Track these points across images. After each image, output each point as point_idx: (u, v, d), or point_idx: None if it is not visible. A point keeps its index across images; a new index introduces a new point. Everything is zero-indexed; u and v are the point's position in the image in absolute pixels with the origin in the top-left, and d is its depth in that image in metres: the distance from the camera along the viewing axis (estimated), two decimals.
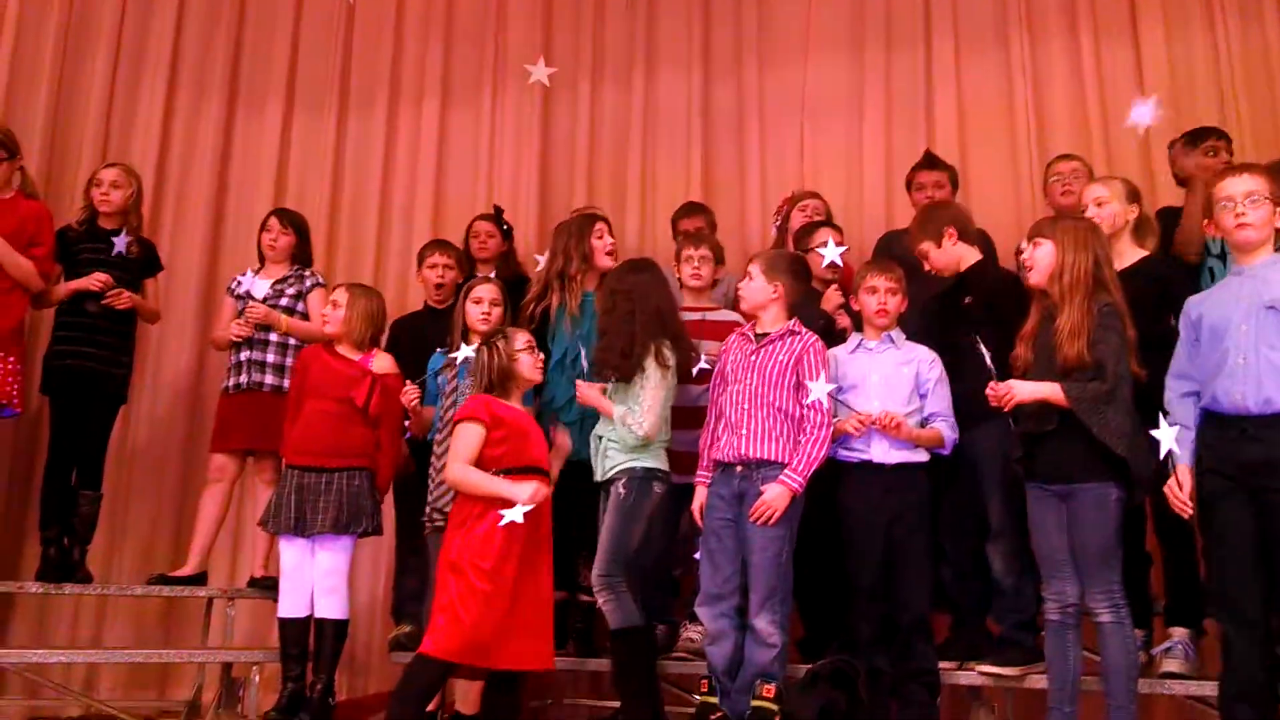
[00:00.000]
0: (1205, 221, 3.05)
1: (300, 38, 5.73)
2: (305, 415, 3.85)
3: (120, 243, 4.30)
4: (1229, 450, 2.80)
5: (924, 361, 3.52)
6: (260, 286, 4.46)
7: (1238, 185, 2.88)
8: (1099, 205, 3.41)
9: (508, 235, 4.78)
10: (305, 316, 4.42)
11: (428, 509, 3.72)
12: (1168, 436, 2.84)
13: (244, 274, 4.58)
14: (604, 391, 3.57)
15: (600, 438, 3.57)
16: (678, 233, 4.65)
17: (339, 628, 3.78)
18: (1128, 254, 3.38)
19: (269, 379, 4.31)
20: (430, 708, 3.50)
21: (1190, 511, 2.85)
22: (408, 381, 3.89)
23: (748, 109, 5.35)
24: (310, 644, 3.79)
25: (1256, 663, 2.74)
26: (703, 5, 5.50)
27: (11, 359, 3.96)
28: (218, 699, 4.21)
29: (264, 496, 4.25)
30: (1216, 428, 2.84)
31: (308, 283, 4.50)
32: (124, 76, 5.40)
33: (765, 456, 3.37)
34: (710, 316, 4.00)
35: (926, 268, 3.62)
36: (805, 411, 3.39)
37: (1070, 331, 2.97)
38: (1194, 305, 2.99)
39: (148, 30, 5.50)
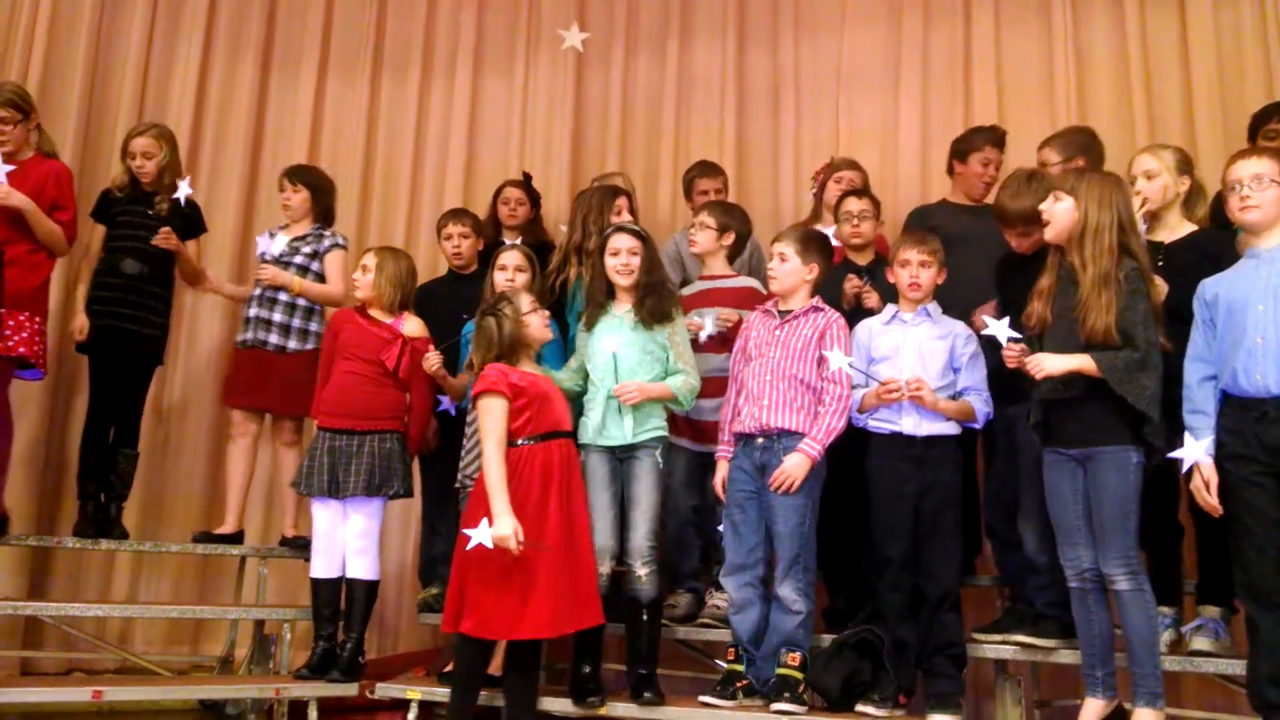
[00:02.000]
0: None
1: (335, 1, 5.72)
2: (337, 378, 3.88)
3: (183, 189, 4.35)
4: (1250, 433, 2.77)
5: (959, 336, 3.50)
6: (277, 243, 4.45)
7: (1245, 168, 2.87)
8: (1149, 178, 3.32)
9: (536, 203, 4.77)
10: (321, 277, 4.41)
11: (460, 475, 3.76)
12: (1192, 452, 2.82)
13: (270, 231, 4.61)
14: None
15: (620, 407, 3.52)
16: (693, 193, 4.63)
17: (370, 588, 3.83)
18: (1179, 227, 3.32)
19: (273, 338, 4.30)
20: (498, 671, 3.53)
21: (1220, 511, 2.82)
22: (431, 346, 3.91)
23: (783, 79, 5.31)
24: (341, 604, 3.84)
25: None
26: None
27: (38, 319, 3.96)
28: (250, 655, 4.29)
29: (285, 457, 4.36)
30: (1237, 410, 2.81)
31: (325, 243, 4.46)
32: (160, 37, 5.40)
33: (786, 427, 3.39)
34: (725, 284, 3.98)
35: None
36: (825, 384, 3.41)
37: (1095, 305, 2.89)
38: (1210, 286, 2.95)
39: None
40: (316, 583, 3.84)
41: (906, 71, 5.09)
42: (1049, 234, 3.09)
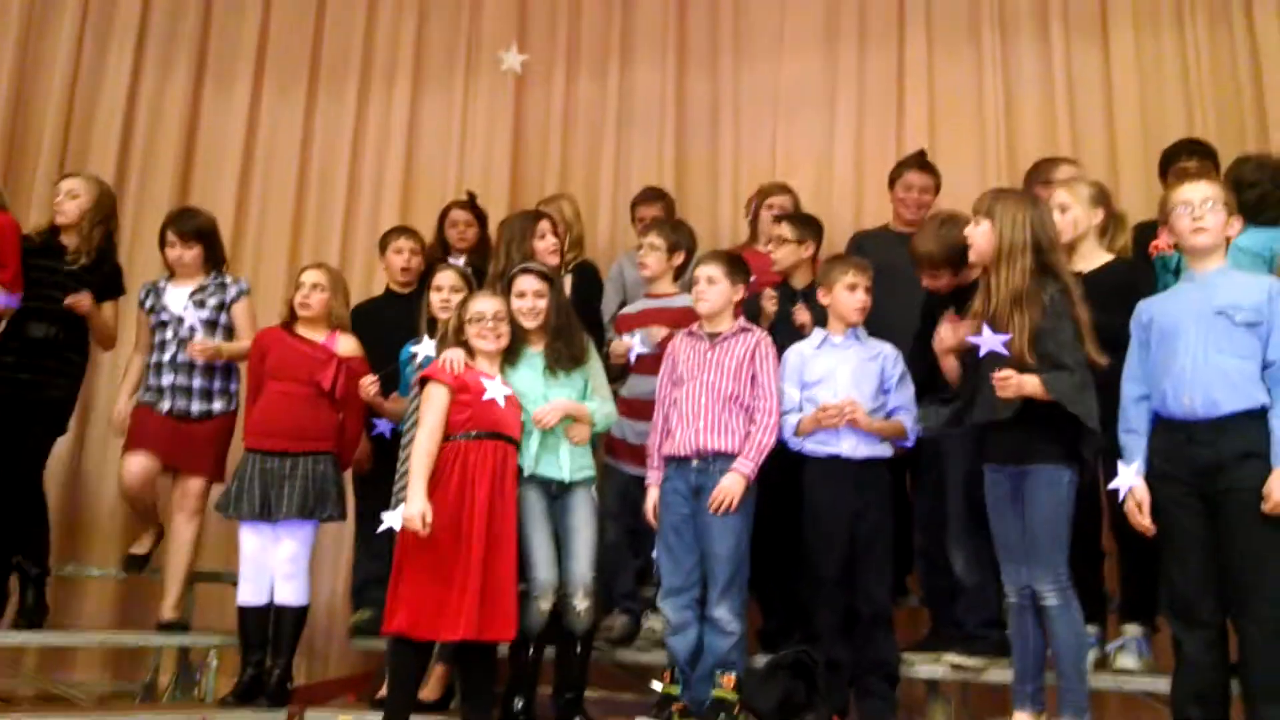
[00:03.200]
0: (1160, 227, 3.07)
1: (271, 12, 5.66)
2: (267, 398, 3.79)
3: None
4: (1178, 454, 2.83)
5: (888, 357, 3.56)
6: (173, 300, 4.12)
7: (1196, 191, 2.91)
8: (1062, 211, 3.36)
9: (483, 223, 4.74)
10: (229, 330, 4.15)
11: (394, 498, 3.70)
12: (1126, 479, 2.89)
13: (156, 282, 4.23)
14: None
15: (558, 435, 3.48)
16: (635, 219, 4.64)
17: (299, 614, 3.75)
18: (1093, 257, 3.38)
19: (196, 405, 4.05)
20: (431, 696, 3.52)
21: (1154, 531, 2.88)
22: (365, 365, 3.85)
23: (722, 102, 5.35)
24: (269, 630, 3.76)
25: (1210, 664, 2.78)
26: None
27: None
28: (174, 682, 4.18)
29: (185, 530, 4.06)
30: (1166, 431, 2.88)
31: (231, 292, 4.17)
32: (90, 43, 5.30)
33: (721, 448, 3.42)
34: (668, 303, 3.99)
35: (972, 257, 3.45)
36: (755, 402, 3.46)
37: (1010, 328, 2.92)
38: (1145, 309, 3.01)
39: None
40: (244, 610, 3.74)
41: (842, 96, 5.16)
42: (972, 257, 3.14)
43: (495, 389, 3.37)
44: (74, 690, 4.42)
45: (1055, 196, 3.43)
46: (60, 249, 4.08)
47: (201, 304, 4.11)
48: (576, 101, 5.53)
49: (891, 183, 4.33)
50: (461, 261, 4.22)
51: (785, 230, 4.00)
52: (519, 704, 3.39)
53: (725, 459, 3.41)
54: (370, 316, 4.30)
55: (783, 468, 3.49)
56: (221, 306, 4.14)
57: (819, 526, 3.45)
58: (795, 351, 3.61)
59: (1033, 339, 2.92)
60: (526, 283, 3.53)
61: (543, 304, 3.51)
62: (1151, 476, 2.89)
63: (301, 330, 3.86)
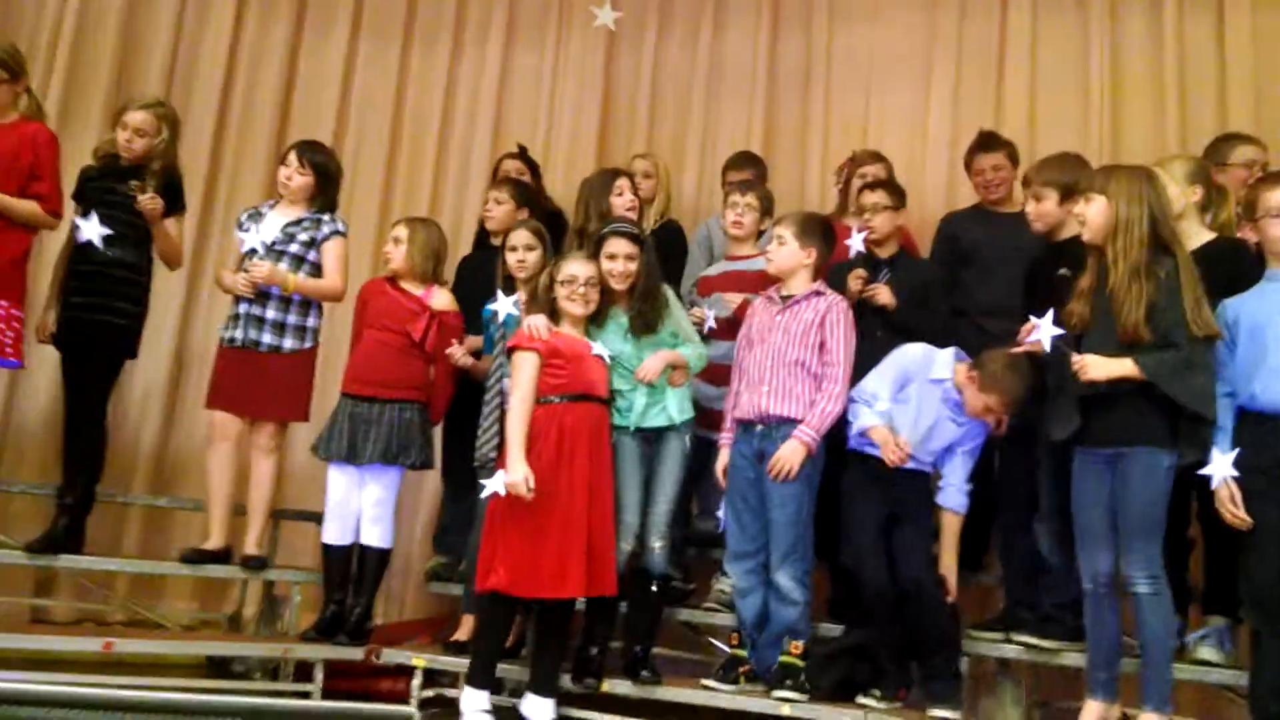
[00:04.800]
0: (1244, 222, 3.03)
1: None
2: (364, 346, 3.91)
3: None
4: (1265, 447, 2.79)
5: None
6: (267, 226, 4.00)
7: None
8: None
9: (536, 173, 4.77)
10: (317, 267, 4.01)
11: (477, 453, 3.79)
12: (1221, 468, 2.82)
13: (258, 207, 4.18)
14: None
15: (661, 391, 3.54)
16: (726, 184, 4.62)
17: (382, 556, 3.87)
18: (1196, 236, 3.27)
19: (266, 338, 3.92)
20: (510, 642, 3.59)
21: (1249, 523, 2.81)
22: (455, 341, 3.90)
23: (815, 67, 5.26)
24: (352, 570, 3.87)
25: None
26: None
27: (4, 304, 3.65)
28: (259, 615, 4.34)
29: (262, 465, 4.02)
30: (1254, 425, 2.84)
31: (325, 230, 4.01)
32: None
33: (784, 414, 3.41)
34: (749, 266, 3.96)
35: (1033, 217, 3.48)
36: (824, 369, 3.41)
37: (1127, 299, 2.87)
38: (1231, 307, 2.97)
39: None
40: (328, 548, 3.87)
41: (939, 62, 5.03)
42: (1086, 235, 3.06)
43: (599, 349, 3.44)
44: (163, 617, 4.60)
45: None
46: (123, 171, 3.93)
47: (291, 237, 3.98)
48: (667, 61, 5.50)
49: (967, 167, 4.24)
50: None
51: (881, 197, 3.92)
52: (594, 652, 3.45)
53: (789, 425, 3.39)
54: (470, 267, 4.43)
55: (844, 435, 3.48)
56: (311, 243, 4.00)
57: (853, 508, 3.43)
58: (910, 359, 3.51)
59: (1148, 314, 2.86)
60: (618, 245, 3.54)
61: (633, 267, 3.53)
62: (1236, 469, 2.83)
63: (403, 283, 3.94)
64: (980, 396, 3.31)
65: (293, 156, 4.06)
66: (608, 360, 3.47)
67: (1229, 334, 2.93)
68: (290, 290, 3.93)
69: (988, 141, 4.18)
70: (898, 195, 3.98)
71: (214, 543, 4.01)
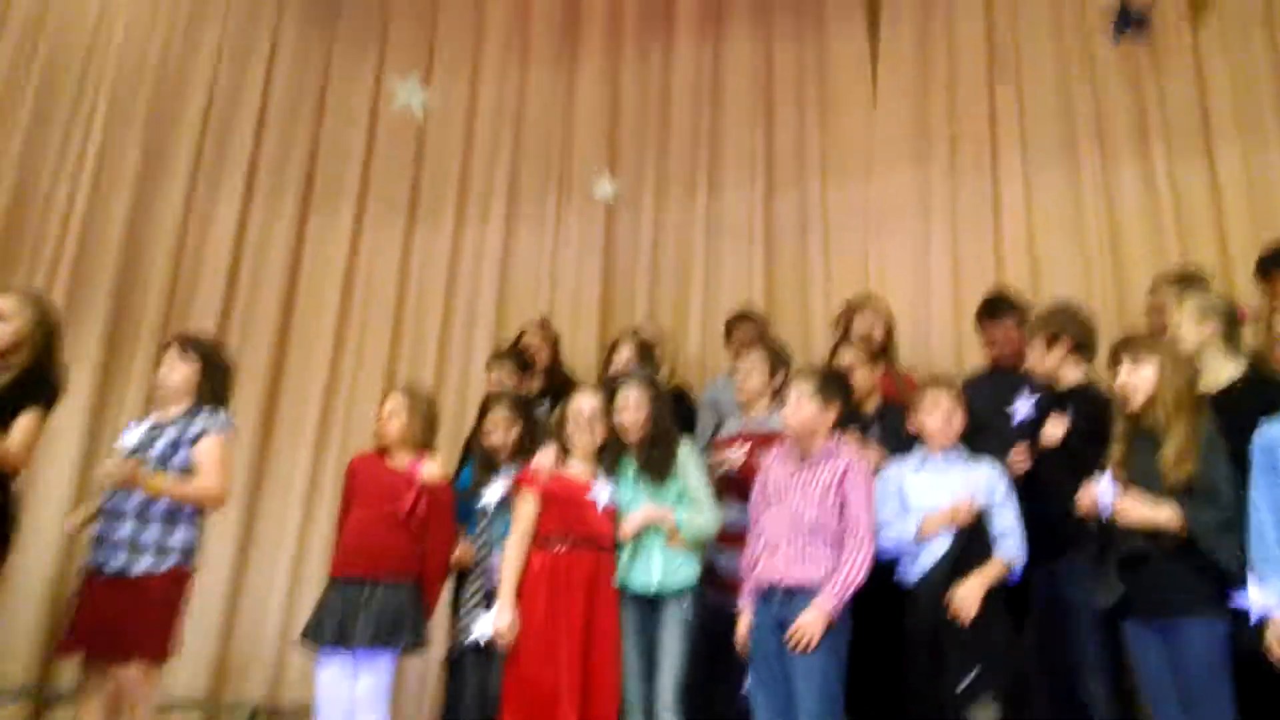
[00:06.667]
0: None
1: (374, 146, 5.88)
2: (351, 524, 3.73)
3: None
4: None
5: (992, 474, 3.36)
6: (133, 432, 3.49)
7: None
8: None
9: (554, 344, 4.77)
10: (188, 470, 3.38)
11: (465, 607, 3.68)
12: (1260, 599, 2.64)
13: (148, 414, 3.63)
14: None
15: (651, 543, 3.41)
16: (730, 341, 4.60)
17: None
18: (1222, 370, 3.20)
19: (115, 560, 3.26)
20: None
21: None
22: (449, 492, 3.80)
23: (811, 220, 5.33)
24: None
25: None
26: (766, 117, 5.56)
27: None
28: None
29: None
30: None
31: (197, 426, 3.43)
32: (202, 187, 5.52)
33: (804, 580, 3.22)
34: (764, 425, 3.86)
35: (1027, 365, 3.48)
36: (844, 532, 3.25)
37: (1178, 455, 2.83)
38: (1270, 431, 2.80)
39: (230, 129, 5.65)
40: None
41: (936, 212, 5.10)
42: (1136, 400, 3.00)
43: (598, 490, 3.40)
44: None
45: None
46: None
47: (153, 440, 3.42)
48: (666, 225, 5.59)
49: (978, 328, 4.18)
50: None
51: (757, 359, 3.90)
52: None
53: (810, 592, 3.20)
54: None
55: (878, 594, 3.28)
56: (176, 444, 3.41)
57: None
58: (894, 471, 3.45)
59: (1193, 477, 2.81)
60: (628, 394, 3.51)
61: (644, 414, 3.48)
62: None
63: (394, 456, 3.84)
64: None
65: (168, 352, 3.60)
66: (605, 502, 3.38)
67: (1268, 459, 2.77)
68: (148, 491, 3.28)
69: (991, 309, 4.12)
70: (874, 351, 4.00)
71: None
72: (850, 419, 3.72)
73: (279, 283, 5.56)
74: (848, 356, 3.91)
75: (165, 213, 5.35)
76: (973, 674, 3.09)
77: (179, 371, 3.53)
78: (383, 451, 3.84)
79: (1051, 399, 3.48)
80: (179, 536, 3.37)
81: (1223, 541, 2.75)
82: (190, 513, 3.40)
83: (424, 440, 3.83)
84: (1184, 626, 2.78)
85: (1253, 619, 2.67)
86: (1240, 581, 2.71)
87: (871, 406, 3.85)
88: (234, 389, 3.67)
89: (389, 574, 3.62)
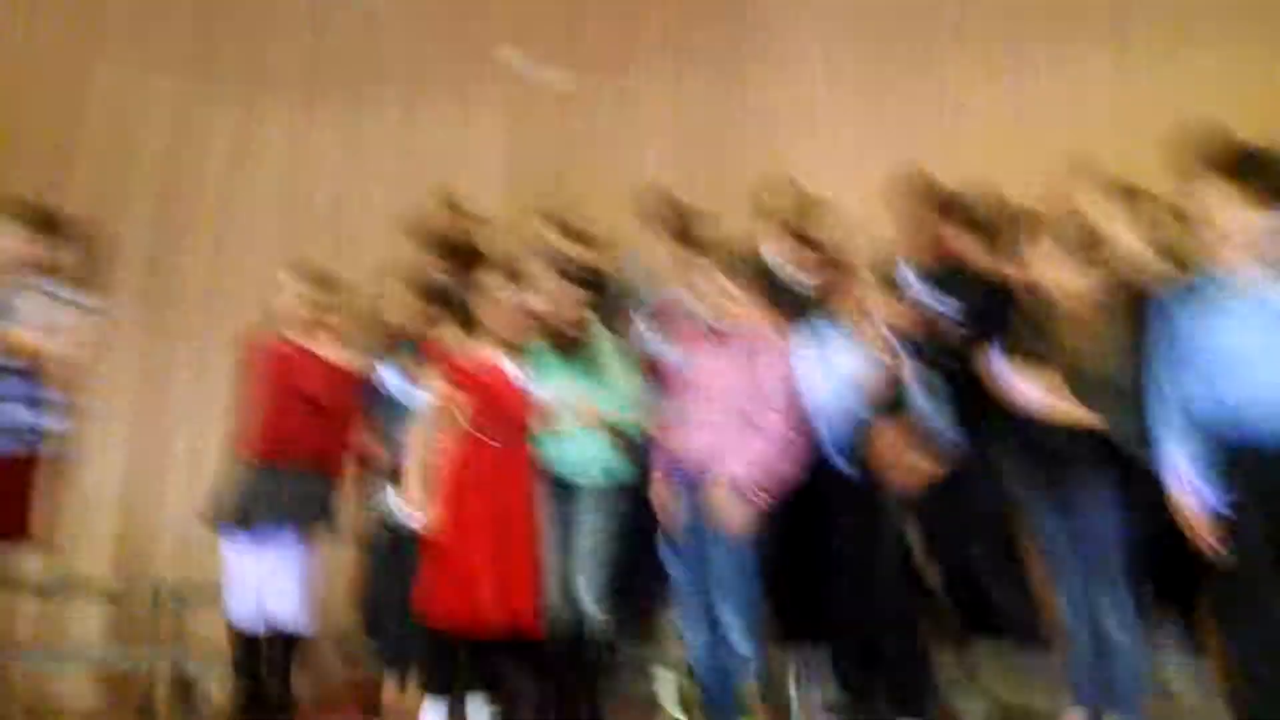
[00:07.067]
0: (1194, 244, 3.01)
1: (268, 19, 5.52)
2: (254, 408, 3.66)
3: None
4: (1263, 477, 2.62)
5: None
6: None
7: (1231, 208, 2.78)
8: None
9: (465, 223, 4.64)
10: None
11: (388, 496, 3.62)
12: (1185, 483, 2.73)
13: None
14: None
15: (571, 433, 3.40)
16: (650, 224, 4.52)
17: (296, 630, 3.61)
18: (1144, 263, 3.25)
19: None
20: None
21: (1218, 547, 2.69)
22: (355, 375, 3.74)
23: (731, 104, 5.28)
24: (264, 646, 3.59)
25: None
26: None
27: None
28: (170, 701, 4.07)
29: None
30: (1250, 458, 2.64)
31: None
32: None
33: (720, 461, 3.27)
34: (679, 311, 3.83)
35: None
36: (761, 415, 3.29)
37: (1089, 344, 2.92)
38: (1184, 317, 2.83)
39: None
40: (233, 626, 3.58)
41: (849, 103, 5.11)
42: (1052, 291, 3.06)
43: (519, 380, 3.36)
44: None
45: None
46: None
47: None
48: (577, 106, 5.42)
49: (915, 226, 4.03)
50: None
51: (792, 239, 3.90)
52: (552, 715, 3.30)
53: (729, 474, 3.24)
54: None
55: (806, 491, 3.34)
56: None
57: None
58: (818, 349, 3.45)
59: (1102, 365, 2.90)
60: (544, 276, 3.45)
61: (559, 297, 3.43)
62: (1235, 508, 2.67)
63: (295, 338, 3.71)
64: None
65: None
66: (528, 391, 3.37)
67: (1180, 348, 2.80)
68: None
69: (911, 191, 4.04)
70: (808, 234, 3.94)
71: None
72: (780, 303, 3.75)
73: (160, 162, 5.28)
74: (775, 240, 3.89)
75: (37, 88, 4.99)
76: None
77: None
78: (283, 333, 3.71)
79: (944, 278, 3.55)
80: (37, 420, 3.34)
81: (1125, 422, 2.85)
82: (55, 399, 3.37)
83: (325, 322, 3.71)
84: (1083, 499, 2.92)
85: (1168, 486, 2.75)
86: (1142, 458, 2.82)
87: (801, 290, 3.85)
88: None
89: (294, 458, 3.57)
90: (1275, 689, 2.57)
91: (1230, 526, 2.66)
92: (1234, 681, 2.71)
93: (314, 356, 3.66)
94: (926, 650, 3.33)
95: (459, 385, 3.33)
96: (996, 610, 3.40)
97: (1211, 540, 2.68)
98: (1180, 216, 3.36)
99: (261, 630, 3.56)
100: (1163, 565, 2.99)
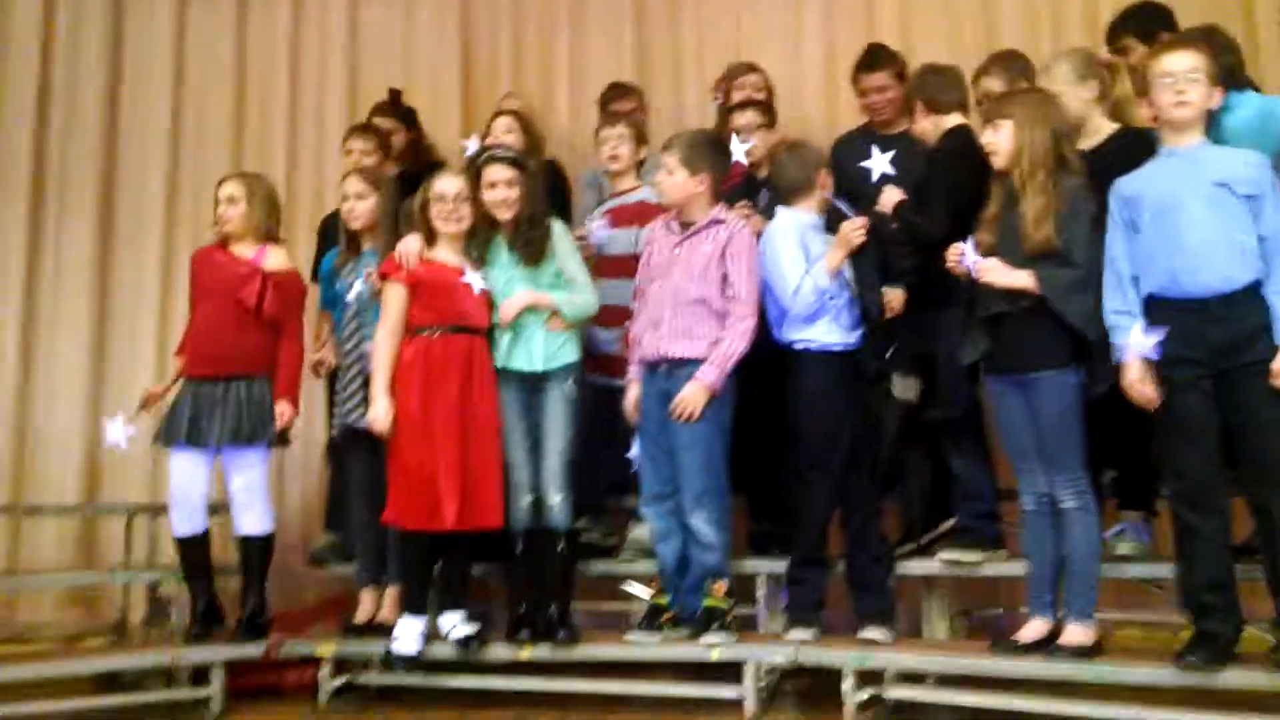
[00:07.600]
0: (1139, 100, 2.97)
1: None
2: (198, 320, 3.59)
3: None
4: (1192, 335, 2.68)
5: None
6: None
7: (1178, 61, 2.77)
8: None
9: (412, 124, 4.49)
10: None
11: (336, 420, 3.62)
12: (1139, 342, 2.73)
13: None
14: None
15: (531, 326, 3.37)
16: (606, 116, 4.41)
17: (263, 543, 3.59)
18: (1099, 130, 3.21)
19: None
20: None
21: (1158, 402, 2.74)
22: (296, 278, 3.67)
23: None
24: (212, 559, 3.61)
25: (1223, 549, 2.70)
26: None
27: None
28: (145, 618, 4.06)
29: None
30: (1175, 313, 2.71)
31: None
32: None
33: (685, 355, 3.25)
34: (628, 200, 3.81)
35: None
36: (727, 304, 3.25)
37: (1035, 217, 2.86)
38: (1129, 185, 2.86)
39: None
40: (180, 541, 3.55)
41: None
42: (998, 162, 3.00)
43: (471, 278, 3.32)
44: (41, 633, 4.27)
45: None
46: None
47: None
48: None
49: (853, 85, 4.03)
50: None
51: (754, 116, 3.81)
52: (522, 610, 3.36)
53: (692, 365, 3.23)
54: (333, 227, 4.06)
55: (765, 362, 3.35)
56: None
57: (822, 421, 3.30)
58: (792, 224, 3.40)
59: (1056, 231, 2.85)
60: (497, 172, 3.36)
61: (515, 193, 3.35)
62: (1161, 362, 2.73)
63: (235, 247, 3.61)
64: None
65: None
66: (480, 289, 3.32)
67: (1129, 213, 2.83)
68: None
69: (869, 60, 3.97)
70: (769, 113, 3.89)
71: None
72: (746, 189, 3.67)
73: (100, 77, 5.06)
74: (745, 119, 3.78)
75: None
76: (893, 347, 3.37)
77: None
78: (224, 242, 3.61)
79: (911, 155, 3.49)
80: None
81: (1073, 300, 2.84)
82: None
83: (267, 229, 3.61)
84: (1039, 380, 2.90)
85: (1128, 356, 2.76)
86: (1092, 338, 2.83)
87: (764, 174, 3.75)
88: None
89: (240, 370, 3.51)
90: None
91: (1166, 381, 2.71)
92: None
93: (252, 266, 3.56)
94: (890, 553, 3.40)
95: (413, 287, 3.28)
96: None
97: (1153, 395, 2.72)
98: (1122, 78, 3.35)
99: (206, 537, 3.56)
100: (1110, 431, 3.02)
